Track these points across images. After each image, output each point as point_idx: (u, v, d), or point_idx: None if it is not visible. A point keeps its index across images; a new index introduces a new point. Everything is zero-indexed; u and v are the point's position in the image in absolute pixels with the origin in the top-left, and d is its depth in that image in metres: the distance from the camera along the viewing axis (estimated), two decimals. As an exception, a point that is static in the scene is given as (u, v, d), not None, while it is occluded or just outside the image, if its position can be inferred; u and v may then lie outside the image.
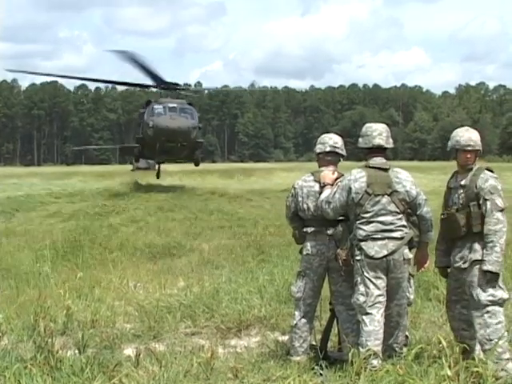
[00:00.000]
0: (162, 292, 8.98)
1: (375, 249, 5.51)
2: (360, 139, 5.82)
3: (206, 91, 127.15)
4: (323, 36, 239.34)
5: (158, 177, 37.51)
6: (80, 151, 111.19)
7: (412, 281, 6.08)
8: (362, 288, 5.53)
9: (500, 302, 5.40)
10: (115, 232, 18.06)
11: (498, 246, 5.34)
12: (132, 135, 58.39)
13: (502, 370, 5.23)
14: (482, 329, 5.38)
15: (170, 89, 33.99)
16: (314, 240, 5.93)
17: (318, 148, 6.10)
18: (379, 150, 5.75)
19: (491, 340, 5.32)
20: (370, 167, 5.69)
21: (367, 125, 5.90)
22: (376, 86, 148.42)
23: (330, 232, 5.87)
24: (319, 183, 5.93)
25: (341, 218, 5.80)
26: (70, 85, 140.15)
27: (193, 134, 31.88)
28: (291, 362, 5.83)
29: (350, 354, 5.25)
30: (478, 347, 5.47)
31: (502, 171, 36.92)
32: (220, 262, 12.00)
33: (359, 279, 5.55)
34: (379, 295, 5.50)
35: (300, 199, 6.01)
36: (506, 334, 5.42)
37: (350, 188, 5.62)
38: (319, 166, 6.11)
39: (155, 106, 32.41)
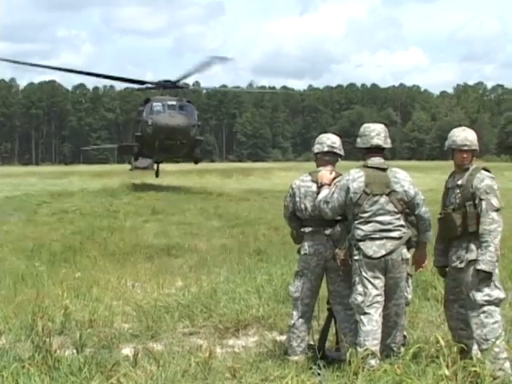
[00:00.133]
0: (160, 292, 8.97)
1: (373, 248, 5.51)
2: (358, 139, 5.82)
3: (204, 91, 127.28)
4: (321, 36, 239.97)
5: (157, 175, 37.49)
6: (79, 150, 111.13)
7: (410, 280, 6.08)
8: (360, 288, 5.53)
9: (496, 302, 5.40)
10: (113, 232, 18.03)
11: (492, 246, 5.34)
12: (130, 134, 58.32)
13: (500, 369, 5.24)
14: (479, 329, 5.38)
15: (169, 87, 33.98)
16: (312, 240, 5.92)
17: (316, 148, 6.10)
18: (377, 150, 5.75)
19: (488, 340, 5.32)
20: (368, 167, 5.69)
21: (365, 125, 5.91)
22: (374, 85, 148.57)
23: (327, 232, 5.87)
24: (317, 183, 5.93)
25: (339, 217, 5.81)
26: (68, 84, 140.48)
27: (192, 131, 31.83)
28: (289, 361, 5.83)
29: (347, 354, 5.24)
30: (475, 347, 5.48)
31: (500, 171, 37.09)
32: (218, 261, 11.98)
33: (357, 279, 5.56)
34: (377, 295, 5.51)
35: (298, 199, 6.00)
36: (503, 333, 5.43)
37: (348, 188, 5.62)
38: (317, 166, 6.11)
39: (154, 104, 32.38)
